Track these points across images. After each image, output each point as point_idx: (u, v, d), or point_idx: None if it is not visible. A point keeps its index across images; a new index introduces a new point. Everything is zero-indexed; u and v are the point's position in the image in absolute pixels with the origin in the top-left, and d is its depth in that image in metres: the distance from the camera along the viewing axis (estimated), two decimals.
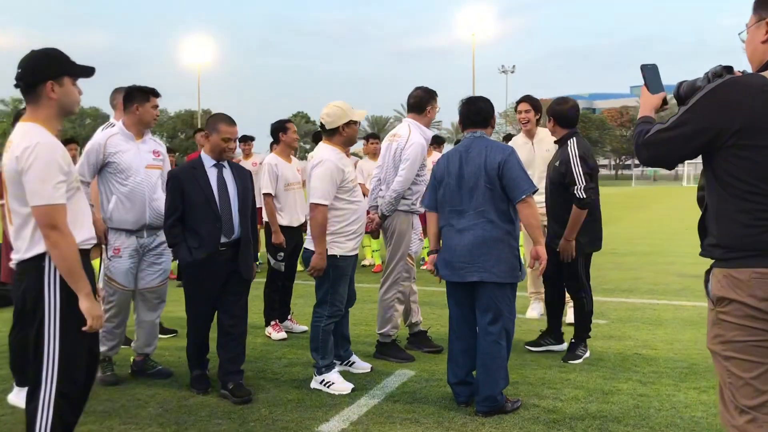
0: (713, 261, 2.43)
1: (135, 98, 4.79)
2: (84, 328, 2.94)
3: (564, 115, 5.33)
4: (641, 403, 4.36)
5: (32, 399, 2.96)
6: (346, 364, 5.10)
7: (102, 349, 4.69)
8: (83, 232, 3.05)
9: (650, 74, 2.72)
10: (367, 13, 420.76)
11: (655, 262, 10.87)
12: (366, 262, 10.85)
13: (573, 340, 5.42)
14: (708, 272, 2.47)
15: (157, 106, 4.93)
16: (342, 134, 4.71)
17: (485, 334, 4.23)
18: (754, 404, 2.35)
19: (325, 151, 4.68)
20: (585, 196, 5.02)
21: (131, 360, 5.15)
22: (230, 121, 4.59)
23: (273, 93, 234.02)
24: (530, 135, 6.58)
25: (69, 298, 2.93)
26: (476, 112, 4.48)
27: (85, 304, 2.93)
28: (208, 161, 4.56)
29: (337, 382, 4.67)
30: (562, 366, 5.18)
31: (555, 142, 5.47)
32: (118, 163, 4.69)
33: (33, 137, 2.87)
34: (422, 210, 5.52)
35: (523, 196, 4.16)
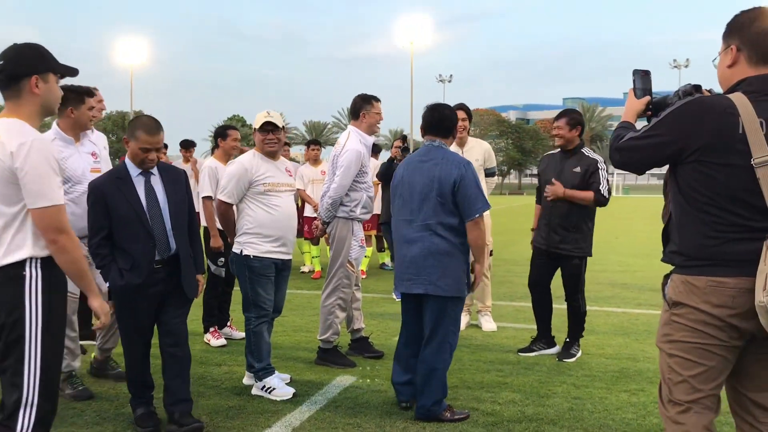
0: (673, 267, 2.58)
1: (69, 101, 4.49)
2: (97, 327, 2.95)
3: (584, 125, 5.64)
4: (575, 405, 4.51)
5: (9, 423, 2.67)
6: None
7: (62, 365, 4.59)
8: None
9: (640, 80, 2.81)
10: (304, 19, 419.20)
11: (586, 270, 11.18)
12: (305, 269, 10.82)
13: (567, 340, 5.71)
14: (666, 277, 2.62)
15: (92, 107, 4.70)
16: (256, 140, 4.90)
17: (426, 345, 4.27)
18: (688, 399, 2.52)
19: (244, 154, 4.92)
20: (607, 197, 5.44)
21: (92, 357, 5.14)
22: (151, 130, 3.93)
23: (209, 96, 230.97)
24: (461, 143, 6.65)
25: (50, 311, 2.73)
26: (440, 119, 4.38)
27: (96, 302, 2.86)
28: (133, 169, 4.00)
29: (278, 388, 4.66)
30: (500, 370, 5.31)
31: (568, 150, 5.62)
32: (64, 170, 4.47)
33: (26, 133, 2.66)
34: (365, 217, 5.59)
35: (476, 216, 4.15)
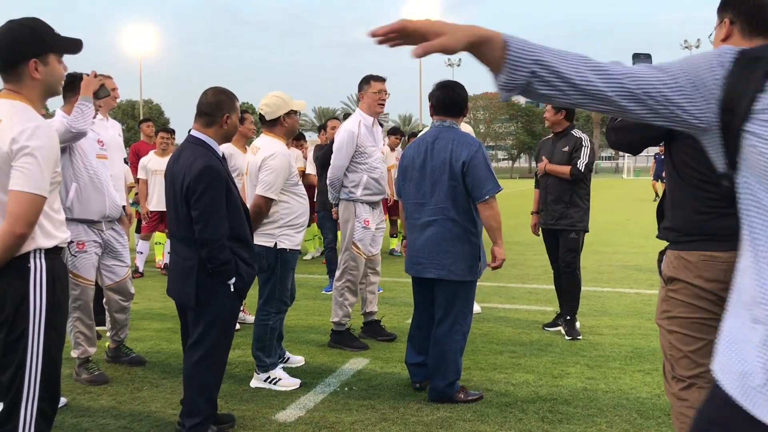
0: (668, 243, 2.59)
1: (77, 89, 4.43)
2: None
3: (573, 109, 5.90)
4: (589, 385, 4.50)
5: (9, 420, 2.56)
6: (281, 361, 4.92)
7: (77, 352, 4.63)
8: (65, 231, 2.72)
9: (639, 63, 2.83)
10: (308, 3, 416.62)
11: (598, 252, 11.17)
12: (308, 257, 10.72)
13: (568, 318, 5.81)
14: (662, 253, 2.63)
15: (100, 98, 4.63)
16: (283, 125, 4.56)
17: (438, 327, 4.26)
18: (690, 374, 2.53)
19: (275, 144, 4.50)
20: (582, 170, 5.68)
21: (106, 346, 5.17)
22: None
23: (217, 83, 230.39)
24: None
25: (54, 305, 2.60)
26: (453, 100, 4.27)
27: None
28: (219, 151, 3.68)
29: (284, 378, 4.55)
30: (513, 351, 5.31)
31: (558, 132, 5.94)
32: (75, 148, 4.43)
33: (31, 119, 2.48)
34: (369, 198, 5.53)
35: (486, 197, 4.09)
